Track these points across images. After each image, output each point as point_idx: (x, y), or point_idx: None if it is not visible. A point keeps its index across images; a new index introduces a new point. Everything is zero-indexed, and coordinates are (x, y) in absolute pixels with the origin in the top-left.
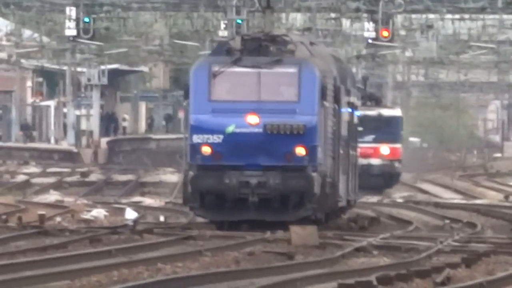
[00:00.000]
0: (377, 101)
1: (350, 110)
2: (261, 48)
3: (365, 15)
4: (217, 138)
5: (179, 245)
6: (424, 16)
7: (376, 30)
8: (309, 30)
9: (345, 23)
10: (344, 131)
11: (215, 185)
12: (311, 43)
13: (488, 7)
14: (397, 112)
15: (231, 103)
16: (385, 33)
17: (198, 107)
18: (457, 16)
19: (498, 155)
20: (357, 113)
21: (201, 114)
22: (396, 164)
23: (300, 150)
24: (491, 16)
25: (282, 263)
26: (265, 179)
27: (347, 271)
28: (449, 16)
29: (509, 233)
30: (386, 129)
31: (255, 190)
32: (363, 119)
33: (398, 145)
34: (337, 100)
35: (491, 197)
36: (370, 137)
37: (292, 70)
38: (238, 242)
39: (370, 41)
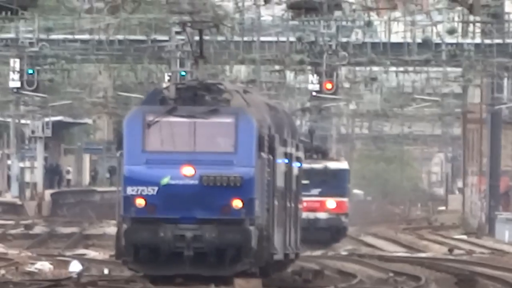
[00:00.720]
0: (324, 154)
1: (286, 160)
2: (196, 97)
3: (309, 67)
4: (151, 190)
5: None
6: (368, 68)
7: (320, 83)
8: (253, 82)
9: (289, 75)
10: (279, 182)
11: (150, 238)
12: (245, 91)
13: (432, 60)
14: (343, 165)
15: (166, 154)
16: (329, 86)
17: (131, 158)
18: (401, 68)
19: (443, 208)
20: (299, 165)
21: (135, 165)
22: (343, 218)
23: (237, 203)
24: (435, 69)
25: None
26: (201, 232)
27: None
28: (393, 68)
29: (453, 286)
30: (333, 182)
31: (190, 244)
32: (309, 172)
33: (345, 199)
34: (271, 150)
35: (435, 250)
36: (316, 191)
37: (228, 120)
38: None
39: (314, 93)
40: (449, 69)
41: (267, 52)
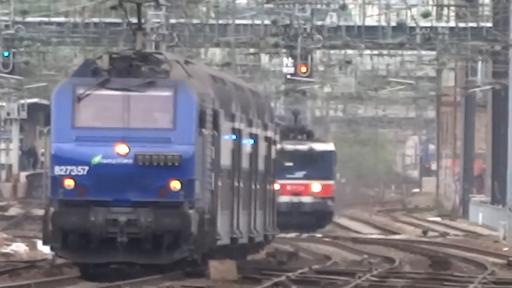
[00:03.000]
0: (308, 135)
1: (234, 137)
2: (132, 68)
3: (283, 50)
4: (81, 170)
5: (98, 280)
6: (342, 51)
7: (295, 66)
8: (228, 65)
9: (264, 58)
10: (225, 161)
11: (79, 223)
12: (187, 62)
13: (406, 43)
14: (329, 146)
15: (98, 131)
16: (304, 69)
17: (60, 135)
18: (375, 52)
19: (417, 190)
20: (277, 146)
21: (64, 143)
22: (329, 202)
23: (176, 184)
24: (410, 52)
25: None
26: (136, 216)
27: None
28: (367, 52)
29: (427, 268)
30: (318, 165)
31: (124, 229)
32: (293, 154)
33: (331, 182)
34: (215, 126)
35: (410, 232)
36: (301, 173)
37: (166, 93)
38: (157, 277)
39: (289, 76)
40: (423, 52)
41: (242, 35)
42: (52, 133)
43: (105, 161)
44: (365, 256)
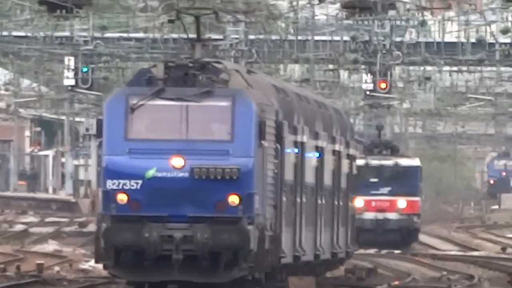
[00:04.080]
0: (393, 150)
1: (296, 150)
2: (188, 77)
3: (363, 66)
4: (135, 184)
5: None
6: (421, 68)
7: (374, 82)
8: (307, 82)
9: (343, 74)
10: (289, 175)
11: (133, 239)
12: (249, 72)
13: (486, 59)
14: (415, 162)
15: (152, 143)
16: (383, 85)
17: (112, 147)
18: (454, 68)
19: (496, 207)
20: (359, 162)
21: (116, 156)
22: (415, 219)
23: (234, 199)
24: (489, 69)
25: None
26: (192, 232)
27: None
28: (447, 68)
29: (506, 285)
30: (404, 181)
31: (179, 245)
32: (378, 170)
33: (416, 198)
34: (279, 138)
35: (488, 249)
36: (386, 189)
37: (224, 103)
38: None
39: (368, 92)
40: (502, 68)
41: (321, 51)
42: (104, 145)
43: (159, 174)
44: (444, 272)
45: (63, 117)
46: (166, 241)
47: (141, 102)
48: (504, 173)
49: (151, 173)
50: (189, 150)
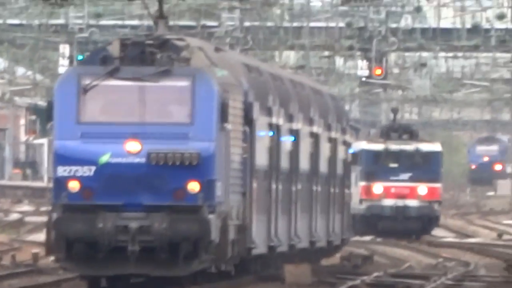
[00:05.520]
0: (413, 134)
1: (271, 133)
2: (146, 55)
3: (358, 53)
4: (87, 171)
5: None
6: (417, 54)
7: (369, 68)
8: (302, 68)
9: (339, 61)
10: (261, 160)
11: (85, 230)
12: (217, 49)
13: (481, 45)
14: (436, 146)
15: (106, 126)
16: (378, 71)
17: (63, 131)
18: (450, 54)
19: (492, 193)
20: (350, 149)
21: (68, 140)
22: (436, 206)
23: (193, 186)
24: (484, 54)
25: None
26: (149, 222)
27: None
28: (442, 54)
29: (502, 271)
30: (425, 167)
31: (135, 236)
32: (397, 155)
33: (438, 185)
34: (247, 120)
35: (485, 235)
36: (406, 175)
37: (183, 83)
38: (228, 282)
39: (363, 79)
40: (498, 54)
41: (316, 37)
42: (54, 129)
43: (114, 160)
44: (440, 259)
45: None
46: (121, 231)
47: (94, 83)
48: (486, 158)
49: (104, 158)
50: (146, 134)
